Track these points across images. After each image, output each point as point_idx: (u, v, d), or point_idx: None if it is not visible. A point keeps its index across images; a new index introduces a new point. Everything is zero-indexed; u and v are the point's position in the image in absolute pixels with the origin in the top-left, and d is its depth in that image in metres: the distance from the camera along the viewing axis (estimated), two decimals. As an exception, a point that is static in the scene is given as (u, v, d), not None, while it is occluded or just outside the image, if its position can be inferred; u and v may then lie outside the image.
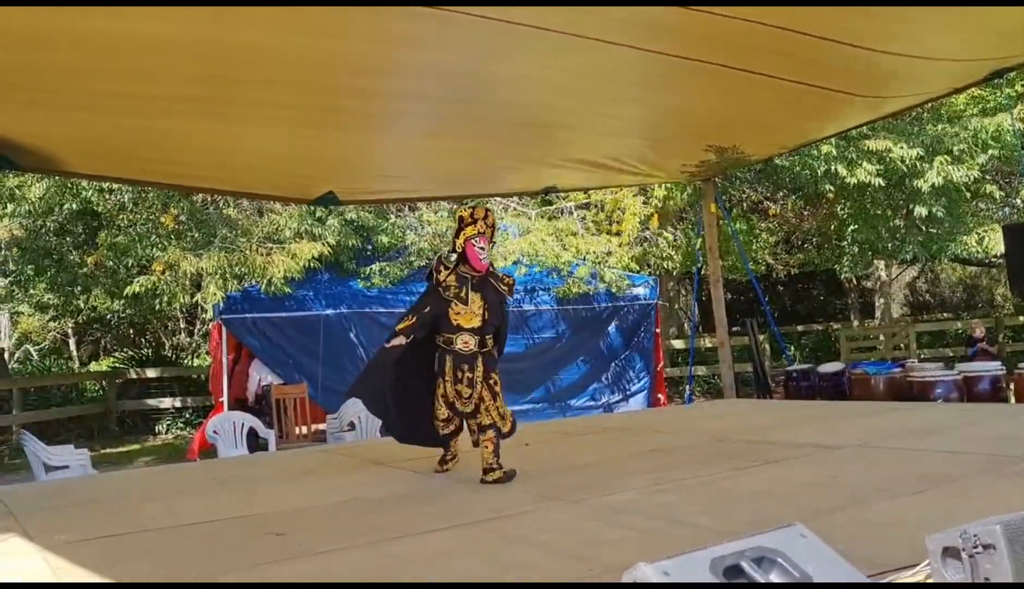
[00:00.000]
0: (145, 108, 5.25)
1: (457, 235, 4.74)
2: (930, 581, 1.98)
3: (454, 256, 4.79)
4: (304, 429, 9.01)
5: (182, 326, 18.52)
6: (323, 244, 10.57)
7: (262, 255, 10.17)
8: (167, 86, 4.95)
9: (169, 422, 14.16)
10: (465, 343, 4.60)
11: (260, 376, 10.45)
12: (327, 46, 4.70)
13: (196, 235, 10.80)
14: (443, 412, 4.69)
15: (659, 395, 12.45)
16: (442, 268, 4.73)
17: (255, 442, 7.86)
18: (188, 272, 10.19)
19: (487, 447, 4.54)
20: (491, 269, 4.84)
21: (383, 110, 6.05)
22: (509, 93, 5.76)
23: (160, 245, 10.44)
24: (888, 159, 11.79)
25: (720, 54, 5.16)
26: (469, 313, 4.62)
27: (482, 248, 4.66)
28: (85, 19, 3.97)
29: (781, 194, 15.24)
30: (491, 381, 4.65)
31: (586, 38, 4.70)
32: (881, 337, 17.58)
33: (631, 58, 5.08)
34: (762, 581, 1.58)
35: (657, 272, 14.07)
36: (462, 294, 4.64)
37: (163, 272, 10.45)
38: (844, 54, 5.23)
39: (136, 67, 4.63)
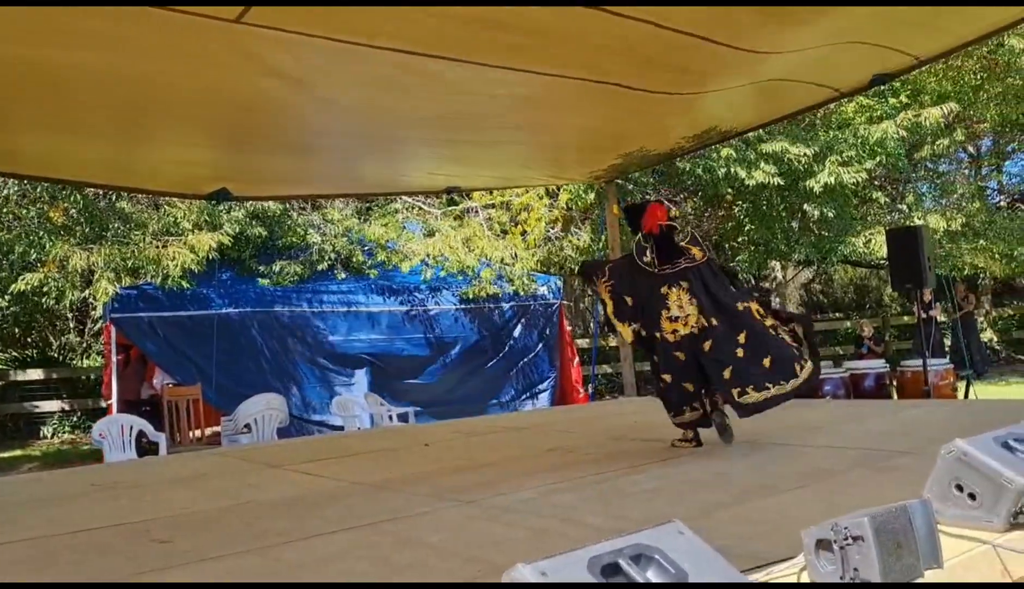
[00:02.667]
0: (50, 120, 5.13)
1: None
2: (804, 574, 2.04)
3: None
4: (198, 432, 8.74)
5: (71, 325, 17.70)
6: (222, 234, 10.23)
7: (157, 248, 9.77)
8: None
9: (56, 425, 13.54)
10: None
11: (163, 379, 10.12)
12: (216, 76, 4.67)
13: (87, 229, 10.32)
14: None
15: (578, 389, 12.54)
16: None
17: (145, 446, 7.60)
18: (78, 267, 9.70)
19: None
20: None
21: (283, 134, 5.98)
22: (411, 124, 5.77)
23: (48, 240, 9.92)
24: (785, 159, 12.21)
25: (619, 68, 5.24)
26: None
27: None
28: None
29: (682, 196, 15.57)
30: None
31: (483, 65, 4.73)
32: (776, 336, 18.15)
33: (532, 82, 5.13)
34: (639, 578, 1.59)
35: (563, 272, 14.21)
36: None
37: (54, 269, 9.94)
38: (735, 58, 5.37)
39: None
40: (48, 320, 16.93)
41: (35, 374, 14.15)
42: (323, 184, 8.58)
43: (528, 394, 12.33)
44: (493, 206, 13.31)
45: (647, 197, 15.12)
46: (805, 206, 13.17)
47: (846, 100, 11.00)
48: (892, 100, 12.95)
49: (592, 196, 12.69)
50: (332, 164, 7.47)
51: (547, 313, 12.67)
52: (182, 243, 10.06)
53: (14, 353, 16.41)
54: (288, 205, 12.10)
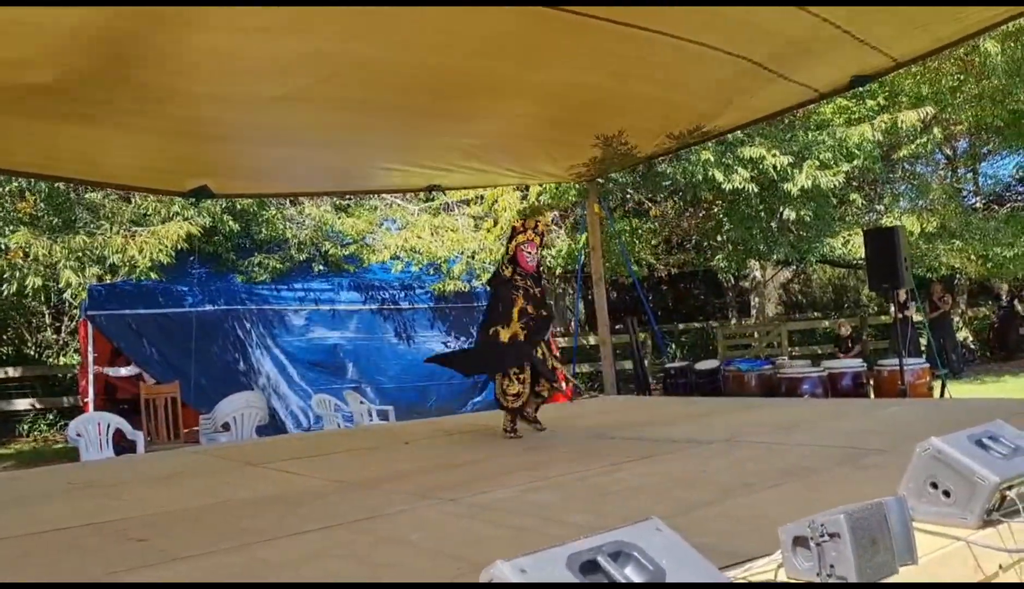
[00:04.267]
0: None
1: (510, 241, 5.76)
2: (781, 571, 2.06)
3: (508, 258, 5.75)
4: (176, 430, 8.69)
5: (47, 322, 17.53)
6: (192, 224, 10.13)
7: (125, 237, 9.65)
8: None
9: (31, 424, 13.40)
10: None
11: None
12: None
13: (55, 220, 10.17)
14: (515, 387, 5.57)
15: (561, 386, 12.48)
16: (504, 267, 5.72)
17: (122, 444, 7.54)
18: (40, 255, 9.56)
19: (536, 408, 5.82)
20: (538, 268, 5.82)
21: (259, 119, 5.91)
22: (386, 87, 5.68)
23: (15, 231, 9.78)
24: (762, 166, 12.26)
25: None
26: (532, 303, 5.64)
27: (530, 253, 5.65)
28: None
29: (662, 196, 15.63)
30: (555, 354, 5.92)
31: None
32: (756, 335, 18.31)
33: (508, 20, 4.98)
34: (617, 575, 1.60)
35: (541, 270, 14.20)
36: (519, 284, 5.63)
37: (18, 257, 9.79)
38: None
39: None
40: (24, 318, 16.75)
41: (10, 372, 14.00)
42: (304, 182, 8.52)
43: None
44: (468, 202, 13.28)
45: (627, 196, 15.19)
46: (783, 209, 13.23)
47: (824, 102, 11.07)
48: (870, 102, 13.06)
49: (565, 193, 12.65)
50: (313, 162, 7.42)
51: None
52: (150, 233, 9.94)
53: (-13, 351, 16.25)
54: (266, 201, 12.02)
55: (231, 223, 10.91)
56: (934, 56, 8.23)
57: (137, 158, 6.49)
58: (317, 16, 4.50)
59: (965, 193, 19.95)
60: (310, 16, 4.48)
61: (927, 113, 13.16)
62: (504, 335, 5.55)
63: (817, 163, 12.51)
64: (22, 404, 13.48)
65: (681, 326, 20.94)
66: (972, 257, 14.38)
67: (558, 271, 15.17)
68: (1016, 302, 16.52)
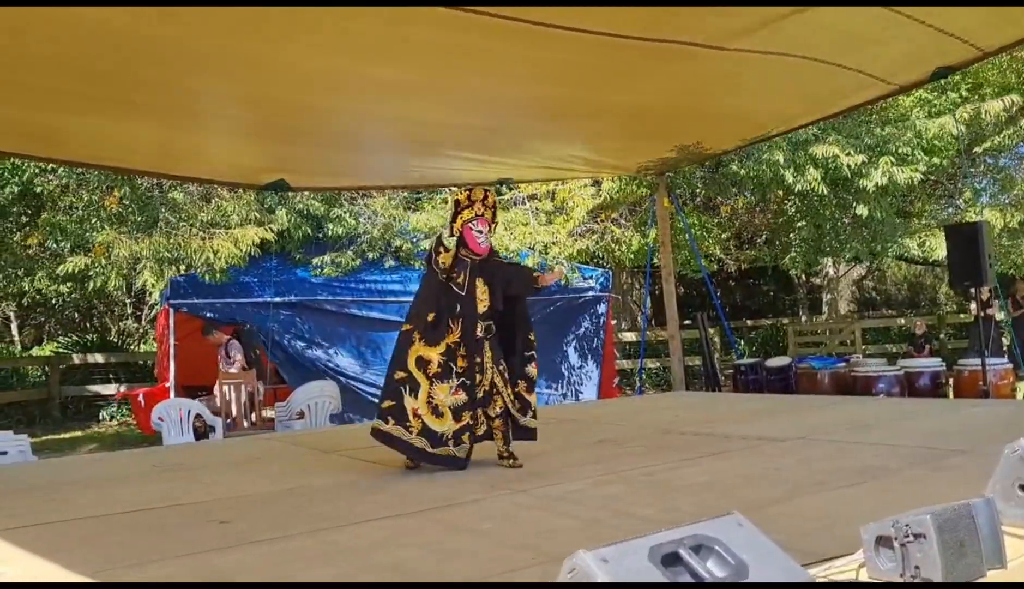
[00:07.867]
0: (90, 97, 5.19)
1: (454, 219, 4.56)
2: (863, 571, 2.02)
3: (453, 240, 4.50)
4: (253, 417, 8.90)
5: (129, 311, 18.17)
6: (267, 229, 10.36)
7: (202, 240, 9.92)
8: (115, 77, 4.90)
9: (114, 409, 13.88)
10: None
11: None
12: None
13: (139, 218, 10.52)
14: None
15: (614, 383, 12.50)
16: (442, 250, 4.45)
17: (200, 430, 7.76)
18: (123, 255, 9.92)
19: (499, 436, 4.63)
20: (494, 252, 4.73)
21: (338, 107, 6.03)
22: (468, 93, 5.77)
23: (101, 227, 10.17)
24: (835, 164, 11.94)
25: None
26: (472, 298, 4.48)
27: (480, 231, 4.50)
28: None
29: (733, 191, 15.39)
30: (501, 367, 4.57)
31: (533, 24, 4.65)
32: (828, 333, 17.94)
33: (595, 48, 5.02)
34: (699, 568, 1.59)
35: (609, 265, 14.14)
36: (459, 279, 4.47)
37: (102, 255, 10.18)
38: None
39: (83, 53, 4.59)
40: (107, 306, 17.40)
41: (95, 358, 14.52)
42: (376, 177, 8.65)
43: (573, 386, 12.30)
44: (537, 197, 13.27)
45: (696, 191, 15.00)
46: (856, 205, 12.87)
47: (904, 94, 10.73)
48: (952, 94, 12.62)
49: (634, 187, 12.53)
50: (385, 158, 7.53)
51: (595, 306, 12.61)
52: (227, 237, 10.19)
53: (75, 338, 16.89)
54: (338, 196, 12.20)
55: (304, 228, 11.12)
56: (1021, 46, 7.95)
57: (219, 151, 6.67)
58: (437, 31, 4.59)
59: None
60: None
61: (1012, 101, 12.62)
62: (430, 353, 4.38)
63: (893, 159, 12.11)
64: (106, 389, 13.96)
65: (750, 323, 20.60)
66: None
67: (627, 265, 15.06)
68: None
